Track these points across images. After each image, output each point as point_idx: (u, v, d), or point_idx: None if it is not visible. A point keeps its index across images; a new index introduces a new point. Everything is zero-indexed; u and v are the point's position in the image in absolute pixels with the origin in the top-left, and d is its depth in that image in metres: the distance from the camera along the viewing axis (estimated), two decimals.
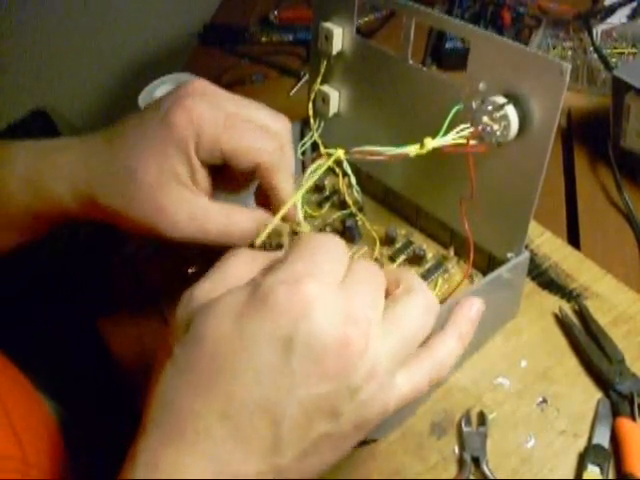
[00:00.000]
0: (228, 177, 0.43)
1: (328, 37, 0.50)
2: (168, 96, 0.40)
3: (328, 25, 0.50)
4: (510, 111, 0.40)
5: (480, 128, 0.40)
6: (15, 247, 0.45)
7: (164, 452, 0.28)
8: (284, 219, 0.40)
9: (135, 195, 0.39)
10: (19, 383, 0.45)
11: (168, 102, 0.40)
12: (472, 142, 0.40)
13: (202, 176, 0.41)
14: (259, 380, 0.28)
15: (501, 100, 0.40)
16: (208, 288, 0.31)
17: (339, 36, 0.50)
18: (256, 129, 0.40)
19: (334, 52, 0.51)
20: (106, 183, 0.40)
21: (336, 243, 0.32)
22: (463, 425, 0.42)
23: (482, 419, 0.42)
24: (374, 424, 0.31)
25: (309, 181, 0.40)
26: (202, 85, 0.40)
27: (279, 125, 0.41)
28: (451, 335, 0.34)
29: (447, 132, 0.39)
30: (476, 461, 0.40)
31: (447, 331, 0.34)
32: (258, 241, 0.38)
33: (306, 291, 0.28)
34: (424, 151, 0.38)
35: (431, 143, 0.38)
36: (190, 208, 0.40)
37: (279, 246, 0.38)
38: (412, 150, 0.38)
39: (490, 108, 0.41)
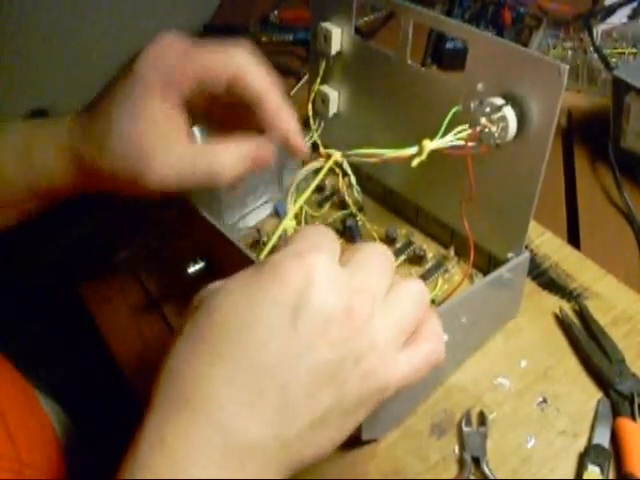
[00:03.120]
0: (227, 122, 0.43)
1: (327, 37, 0.50)
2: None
3: (327, 25, 0.50)
4: (508, 112, 0.40)
5: (478, 129, 0.40)
6: (14, 225, 0.45)
7: (170, 425, 0.28)
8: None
9: (116, 147, 0.40)
10: (14, 382, 0.45)
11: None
12: (470, 144, 0.40)
13: (178, 118, 0.41)
14: (266, 344, 0.28)
15: (499, 101, 0.40)
16: (220, 282, 0.32)
17: (338, 36, 0.50)
18: (219, 48, 0.40)
19: (333, 52, 0.51)
20: (88, 140, 0.41)
21: (330, 231, 0.34)
22: (463, 425, 0.42)
23: (482, 419, 0.42)
24: (374, 402, 0.31)
25: (311, 185, 0.40)
26: (170, 39, 0.41)
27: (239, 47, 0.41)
28: (436, 317, 0.34)
29: (446, 133, 0.39)
30: (476, 461, 0.40)
31: (434, 315, 0.35)
32: (264, 253, 0.38)
33: (310, 261, 0.29)
34: (423, 156, 0.38)
35: (429, 145, 0.38)
36: (170, 152, 0.40)
37: None
38: (410, 152, 0.38)
39: (488, 109, 0.41)
